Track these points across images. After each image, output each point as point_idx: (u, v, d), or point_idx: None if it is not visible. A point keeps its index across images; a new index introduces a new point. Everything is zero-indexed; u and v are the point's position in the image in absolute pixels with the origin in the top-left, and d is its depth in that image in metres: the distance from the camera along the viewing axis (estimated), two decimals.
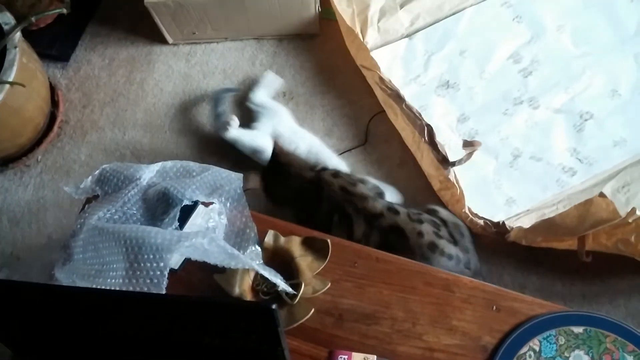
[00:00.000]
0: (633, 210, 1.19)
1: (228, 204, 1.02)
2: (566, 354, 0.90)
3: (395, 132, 1.58)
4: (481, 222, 1.41)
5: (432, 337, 0.94)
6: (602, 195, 1.26)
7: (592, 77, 1.61)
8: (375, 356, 0.93)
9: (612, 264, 1.33)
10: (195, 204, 1.02)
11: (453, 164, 1.44)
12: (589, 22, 1.68)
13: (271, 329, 0.72)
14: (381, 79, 1.55)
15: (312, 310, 0.94)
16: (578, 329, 0.92)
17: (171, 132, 1.68)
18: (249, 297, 0.96)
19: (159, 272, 0.82)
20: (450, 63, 1.67)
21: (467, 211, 1.42)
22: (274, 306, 0.67)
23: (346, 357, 0.93)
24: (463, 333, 0.94)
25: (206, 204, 1.03)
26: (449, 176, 1.43)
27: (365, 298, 0.98)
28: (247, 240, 0.98)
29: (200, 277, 1.00)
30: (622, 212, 1.23)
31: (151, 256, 0.83)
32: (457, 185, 1.42)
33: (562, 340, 0.91)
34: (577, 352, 0.90)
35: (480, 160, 1.53)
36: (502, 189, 1.51)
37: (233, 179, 1.07)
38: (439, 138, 1.48)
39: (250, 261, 0.86)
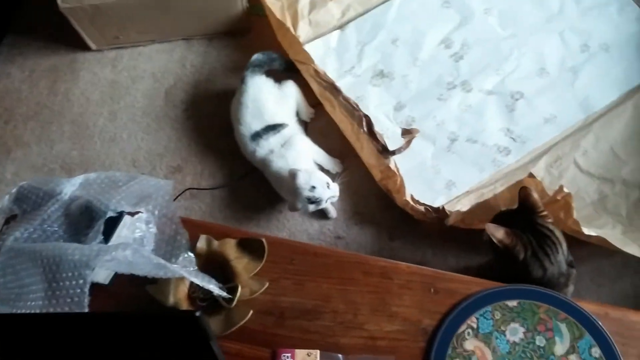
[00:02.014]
0: (561, 188, 1.22)
1: (156, 212, 0.98)
2: (502, 328, 0.92)
3: (334, 124, 1.58)
4: (422, 208, 1.42)
5: (374, 325, 0.94)
6: (531, 175, 1.29)
7: (520, 57, 1.65)
8: (318, 351, 0.92)
9: None
10: (120, 215, 0.98)
11: (393, 152, 1.45)
12: (515, 3, 1.73)
13: (200, 336, 0.69)
14: (316, 71, 1.54)
15: (251, 312, 0.92)
16: (512, 303, 0.93)
17: (102, 142, 1.61)
18: (184, 305, 0.93)
19: (79, 290, 0.78)
20: (383, 52, 1.68)
21: (408, 199, 1.43)
22: (197, 313, 0.65)
23: (289, 355, 0.92)
24: (403, 318, 0.94)
25: (132, 214, 0.99)
26: (390, 165, 1.44)
27: (305, 294, 0.97)
28: (179, 248, 0.95)
29: (133, 290, 0.96)
30: (556, 186, 1.27)
31: (70, 274, 0.79)
32: (398, 174, 1.43)
33: (497, 315, 0.93)
34: (512, 325, 0.92)
35: (418, 146, 1.54)
36: (442, 173, 1.53)
37: (162, 187, 1.03)
38: (377, 128, 1.48)
39: (178, 269, 0.83)
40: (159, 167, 1.58)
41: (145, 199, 0.99)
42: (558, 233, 1.11)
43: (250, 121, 1.46)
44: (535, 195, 1.11)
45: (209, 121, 1.63)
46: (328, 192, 1.34)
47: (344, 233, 1.49)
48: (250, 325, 0.94)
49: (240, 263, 0.95)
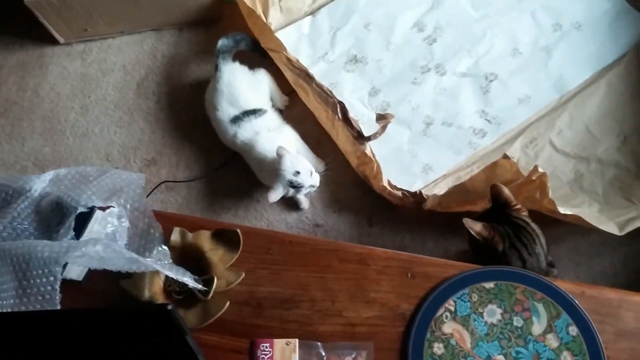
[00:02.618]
0: (535, 168, 1.23)
1: (128, 206, 0.96)
2: (480, 310, 0.92)
3: (309, 112, 1.56)
4: (399, 193, 1.42)
5: (352, 312, 0.94)
6: (505, 156, 1.30)
7: (493, 38, 1.65)
8: (297, 340, 0.92)
9: None
10: (91, 210, 0.96)
11: (368, 138, 1.45)
12: None
13: (174, 329, 0.69)
14: (288, 59, 1.52)
15: (227, 303, 0.91)
16: (489, 284, 0.94)
17: (74, 137, 1.58)
18: (160, 299, 0.92)
19: (49, 287, 0.76)
20: (356, 37, 1.67)
21: (385, 184, 1.43)
22: (169, 307, 0.64)
23: (268, 345, 0.92)
24: (381, 304, 0.94)
25: (104, 209, 0.97)
26: (366, 151, 1.43)
27: (282, 283, 0.97)
28: (152, 241, 0.94)
29: (108, 285, 0.94)
30: (532, 167, 1.28)
31: (40, 271, 0.77)
32: (374, 160, 1.43)
33: (475, 297, 0.93)
34: (490, 306, 0.93)
35: (394, 131, 1.54)
36: (418, 157, 1.54)
37: (133, 180, 1.01)
38: (351, 114, 1.48)
39: (151, 263, 0.82)
40: (133, 160, 1.55)
41: (116, 193, 0.97)
42: (534, 225, 1.14)
43: (226, 106, 1.45)
44: (507, 191, 1.15)
45: (183, 112, 1.61)
46: (310, 180, 1.33)
47: (322, 221, 1.49)
48: (228, 317, 0.93)
49: (216, 254, 0.94)
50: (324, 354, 0.91)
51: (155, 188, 1.49)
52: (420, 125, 1.56)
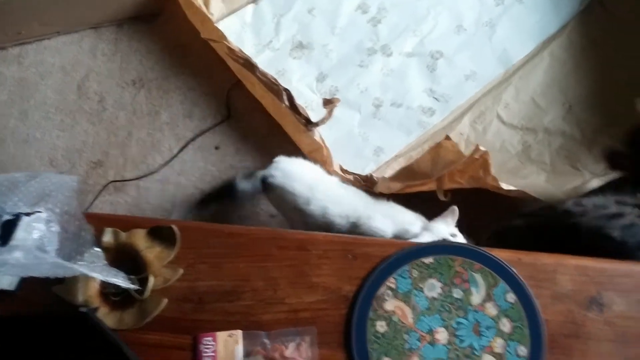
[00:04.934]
0: (477, 147, 1.24)
1: (58, 210, 0.93)
2: (420, 285, 0.92)
3: (258, 101, 1.54)
4: (351, 177, 1.42)
5: (295, 298, 0.93)
6: (447, 138, 1.30)
7: (437, 16, 1.65)
8: (240, 331, 0.91)
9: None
10: (17, 217, 0.93)
11: (316, 124, 1.44)
12: None
13: (97, 331, 0.67)
14: (230, 49, 1.49)
15: (165, 301, 0.90)
16: (428, 259, 0.94)
17: (15, 144, 1.53)
18: (96, 302, 0.89)
19: None
20: (300, 23, 1.65)
21: (337, 169, 1.42)
22: (84, 310, 0.62)
23: (211, 338, 0.90)
24: (324, 288, 0.94)
25: (30, 214, 0.94)
26: (315, 137, 1.42)
27: (223, 276, 0.95)
28: (84, 244, 0.91)
29: (43, 293, 0.92)
30: (481, 142, 1.29)
31: None
32: (324, 145, 1.42)
33: (415, 273, 0.93)
34: (430, 281, 0.93)
35: (344, 115, 1.54)
36: (369, 140, 1.53)
37: (64, 183, 0.98)
38: (300, 100, 1.46)
39: (77, 267, 0.80)
40: (78, 164, 1.52)
41: (45, 197, 0.94)
42: None
43: None
44: None
45: (127, 110, 1.57)
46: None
47: (276, 211, 1.47)
48: (169, 314, 0.91)
49: (152, 252, 0.92)
50: (267, 342, 0.90)
51: (102, 190, 1.46)
52: (369, 107, 1.56)
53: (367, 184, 1.41)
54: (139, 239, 0.94)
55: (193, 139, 1.52)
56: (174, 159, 1.49)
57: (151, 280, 0.89)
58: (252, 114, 1.55)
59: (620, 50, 1.56)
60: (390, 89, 1.58)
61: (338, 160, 1.45)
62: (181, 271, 0.93)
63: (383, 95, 1.57)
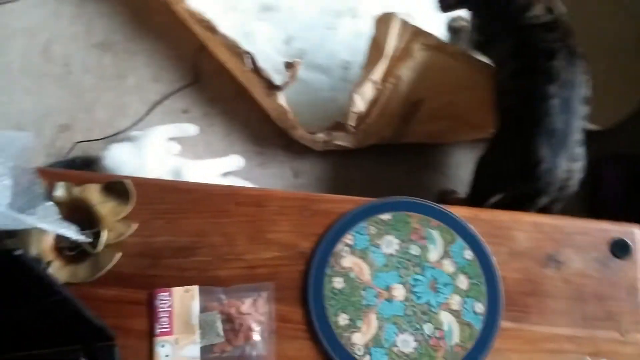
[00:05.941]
0: None
1: (11, 164, 0.92)
2: (378, 242, 0.93)
3: (223, 65, 1.52)
4: (321, 135, 1.40)
5: (251, 254, 0.93)
6: None
7: None
8: (197, 286, 0.90)
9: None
10: None
11: (280, 88, 1.41)
12: None
13: (35, 275, 0.67)
14: (190, 12, 1.45)
15: (118, 255, 0.89)
16: (386, 216, 0.94)
17: None
18: (50, 256, 0.89)
19: None
20: None
21: (303, 132, 1.41)
22: (18, 251, 0.61)
23: (167, 294, 0.90)
24: (280, 244, 0.94)
25: None
26: (280, 101, 1.40)
27: (179, 232, 0.94)
28: (36, 198, 0.89)
29: None
30: None
31: None
32: (289, 109, 1.40)
33: (373, 230, 0.93)
34: (387, 237, 0.93)
35: (312, 79, 1.52)
36: (338, 103, 1.52)
37: (17, 138, 0.96)
38: (267, 64, 1.43)
39: (27, 218, 0.79)
40: (46, 128, 1.49)
41: None
42: None
43: None
44: None
45: (94, 73, 1.54)
46: None
47: (247, 175, 1.47)
48: (124, 270, 0.91)
49: (105, 207, 0.91)
50: (224, 298, 0.90)
51: (69, 152, 1.44)
52: (338, 71, 1.54)
53: (340, 131, 1.38)
54: (92, 193, 0.93)
55: (160, 102, 1.50)
56: (141, 122, 1.47)
57: (104, 234, 0.89)
58: (220, 77, 1.53)
59: None
60: (359, 52, 1.55)
61: (307, 123, 1.43)
62: (135, 226, 0.92)
63: (352, 58, 1.55)
